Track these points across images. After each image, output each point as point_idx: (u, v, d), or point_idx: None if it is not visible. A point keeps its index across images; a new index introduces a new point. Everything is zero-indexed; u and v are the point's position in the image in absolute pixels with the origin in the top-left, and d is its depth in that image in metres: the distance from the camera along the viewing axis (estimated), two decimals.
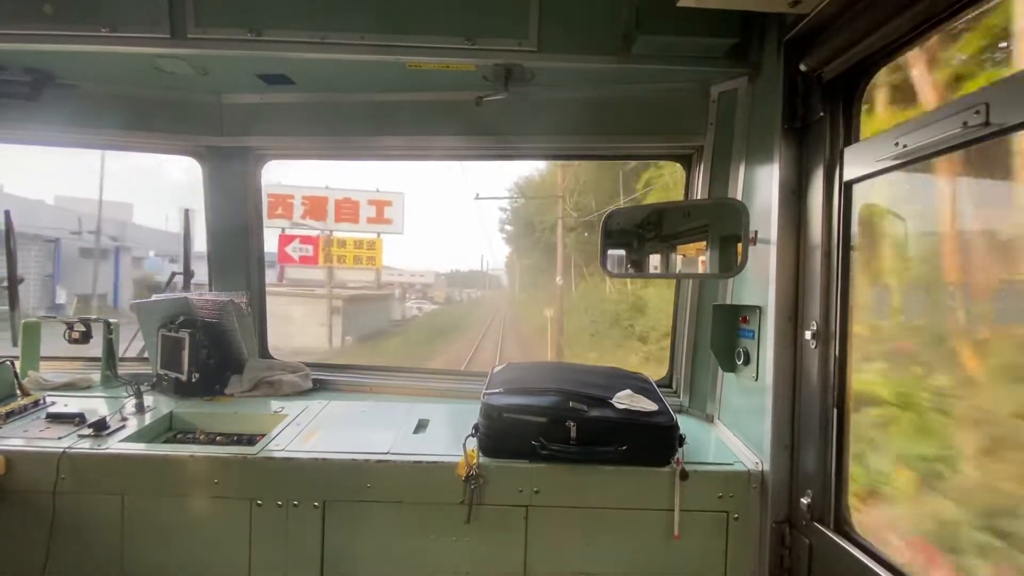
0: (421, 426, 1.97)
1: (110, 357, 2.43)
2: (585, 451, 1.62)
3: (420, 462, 1.66)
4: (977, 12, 1.14)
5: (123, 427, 1.87)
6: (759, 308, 1.72)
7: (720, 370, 2.02)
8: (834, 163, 1.46)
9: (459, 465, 1.63)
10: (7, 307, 2.42)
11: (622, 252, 2.18)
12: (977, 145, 1.07)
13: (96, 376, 2.41)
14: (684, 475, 1.61)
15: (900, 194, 1.46)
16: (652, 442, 1.64)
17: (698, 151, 2.17)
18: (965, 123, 1.04)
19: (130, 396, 2.08)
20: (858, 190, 1.43)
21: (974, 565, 1.22)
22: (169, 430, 2.07)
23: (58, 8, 1.76)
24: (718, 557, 1.64)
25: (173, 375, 2.27)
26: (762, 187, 1.73)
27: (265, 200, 2.77)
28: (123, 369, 2.48)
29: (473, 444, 1.68)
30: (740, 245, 1.72)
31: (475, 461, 1.63)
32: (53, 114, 2.26)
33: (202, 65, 2.02)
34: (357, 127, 2.34)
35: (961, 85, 1.31)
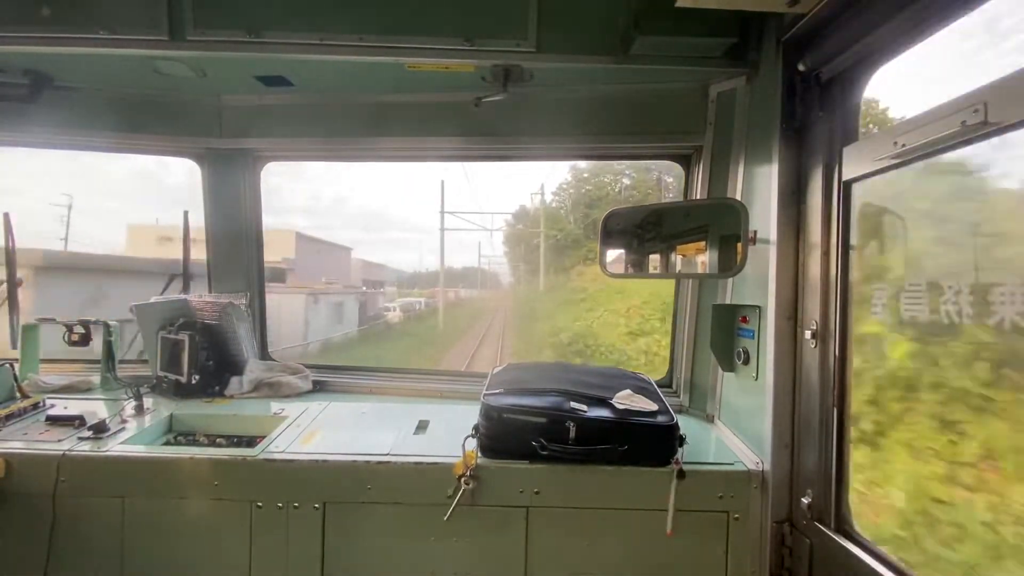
0: (421, 427, 1.96)
1: (110, 359, 2.43)
2: (585, 451, 1.62)
3: (420, 463, 1.66)
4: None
5: (123, 429, 1.87)
6: (759, 308, 1.72)
7: (720, 370, 2.02)
8: (833, 162, 1.46)
9: (457, 465, 1.63)
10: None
11: (622, 252, 2.18)
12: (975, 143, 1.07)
13: (96, 378, 2.41)
14: (681, 475, 1.60)
15: None
16: (652, 442, 1.64)
17: (697, 151, 2.18)
18: (964, 122, 1.04)
19: (130, 398, 2.08)
20: (857, 189, 1.43)
21: None
22: (169, 432, 2.07)
23: (56, 10, 1.76)
24: (719, 557, 1.64)
25: (173, 377, 2.27)
26: (761, 187, 1.73)
27: None
28: (123, 371, 2.48)
29: (473, 445, 1.68)
30: (739, 245, 1.72)
31: (474, 462, 1.63)
32: (52, 116, 2.26)
33: (201, 67, 2.02)
34: (356, 128, 2.34)
35: None
